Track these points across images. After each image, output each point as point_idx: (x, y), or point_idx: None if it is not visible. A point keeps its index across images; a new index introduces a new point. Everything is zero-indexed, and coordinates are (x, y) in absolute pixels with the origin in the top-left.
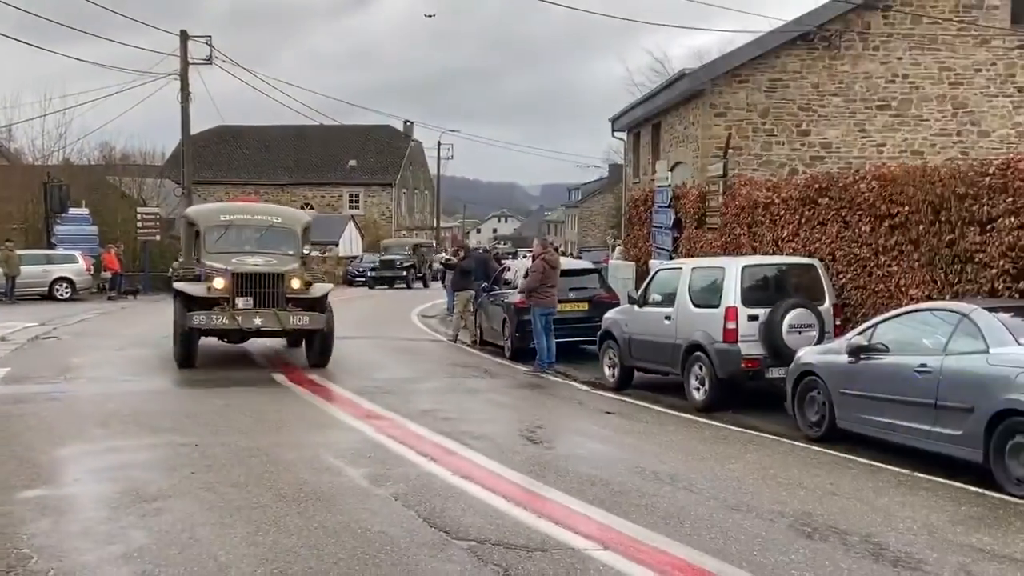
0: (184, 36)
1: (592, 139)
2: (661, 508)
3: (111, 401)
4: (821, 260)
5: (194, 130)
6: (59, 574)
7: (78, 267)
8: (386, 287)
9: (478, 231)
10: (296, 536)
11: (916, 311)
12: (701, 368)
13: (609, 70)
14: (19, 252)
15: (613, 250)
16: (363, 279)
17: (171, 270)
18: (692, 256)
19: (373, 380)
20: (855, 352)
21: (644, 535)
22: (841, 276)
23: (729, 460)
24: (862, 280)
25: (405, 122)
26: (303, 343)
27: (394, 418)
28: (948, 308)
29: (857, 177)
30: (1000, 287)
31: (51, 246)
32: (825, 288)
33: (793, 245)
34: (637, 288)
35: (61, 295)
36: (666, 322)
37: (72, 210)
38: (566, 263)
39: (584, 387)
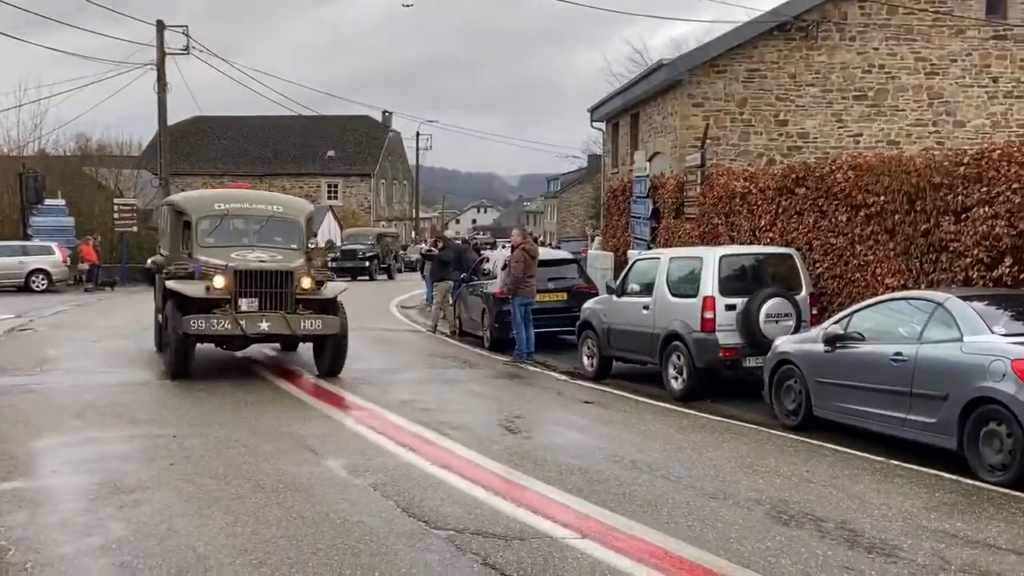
0: (160, 26)
1: (571, 129)
2: (639, 496)
3: (88, 393)
4: (798, 249)
5: (171, 121)
6: (37, 566)
7: (54, 259)
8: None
9: (457, 221)
10: (275, 527)
11: (891, 300)
12: (679, 357)
13: (588, 60)
14: None
15: (592, 241)
16: None
17: (149, 263)
18: (670, 246)
19: (352, 371)
20: (831, 341)
21: (622, 523)
22: (818, 265)
23: (707, 448)
24: (838, 269)
25: (384, 112)
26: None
27: (373, 408)
28: (923, 297)
29: (834, 167)
30: (974, 276)
31: (27, 237)
32: (802, 277)
33: (770, 235)
34: (615, 278)
35: (37, 287)
36: (644, 312)
37: (48, 201)
38: (545, 253)
39: (563, 377)
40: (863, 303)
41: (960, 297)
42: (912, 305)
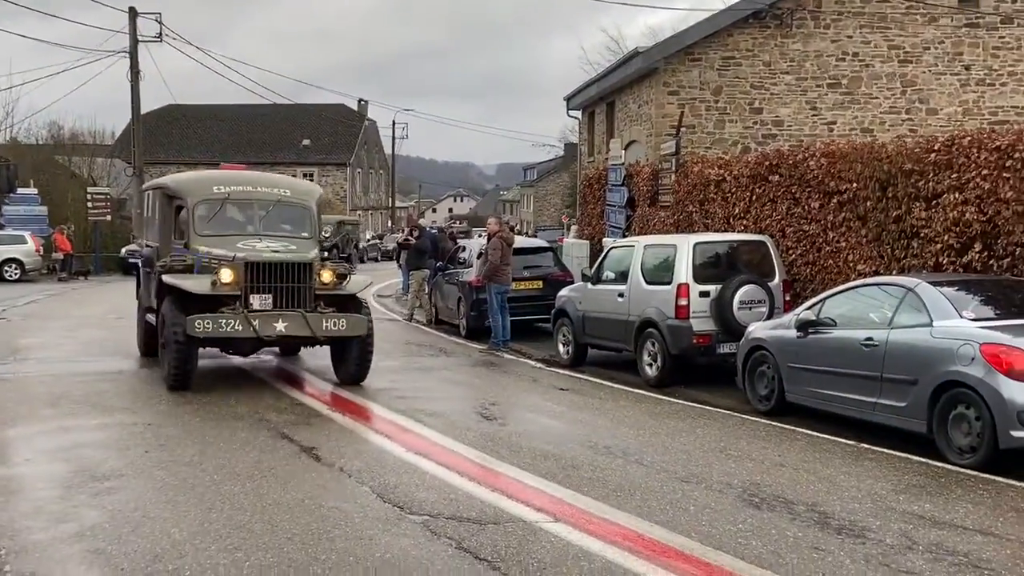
0: (133, 13)
1: (547, 118)
2: (612, 481)
3: (62, 382)
4: (771, 237)
5: (145, 109)
6: (11, 553)
7: (28, 248)
8: None
9: (434, 211)
10: (250, 512)
11: (863, 286)
12: (654, 344)
13: (565, 49)
14: None
15: (568, 230)
16: None
17: (124, 252)
18: (645, 234)
19: (327, 359)
20: (804, 327)
21: (595, 507)
22: (791, 252)
23: (680, 434)
24: (811, 256)
25: (359, 101)
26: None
27: (348, 396)
28: (894, 283)
29: (807, 154)
30: (944, 262)
31: None
32: (775, 264)
33: (744, 222)
34: (591, 266)
35: (10, 276)
36: (619, 299)
37: (20, 190)
38: (521, 242)
39: (538, 364)
40: (835, 289)
41: (930, 283)
42: (883, 291)
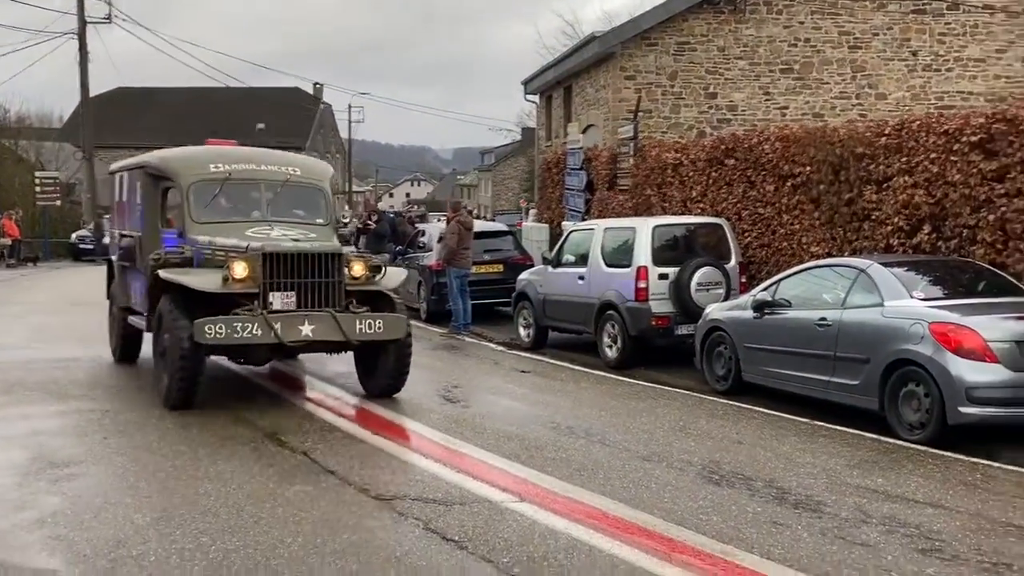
0: None
1: (504, 102)
2: (575, 461)
3: (16, 369)
4: (728, 220)
5: (94, 92)
6: None
7: None
8: None
9: (391, 195)
10: (213, 497)
11: (817, 267)
12: (613, 326)
13: (521, 33)
14: None
15: (526, 214)
16: None
17: (75, 237)
18: (604, 217)
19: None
20: (760, 308)
21: (559, 487)
22: (746, 235)
23: (640, 414)
24: (766, 238)
25: (315, 84)
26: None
27: (310, 380)
28: (846, 264)
29: (761, 138)
30: (895, 243)
31: None
32: (731, 247)
33: (701, 205)
34: (551, 249)
35: None
36: (579, 282)
37: None
38: (480, 225)
39: (500, 347)
40: (790, 271)
41: (881, 264)
42: (836, 272)
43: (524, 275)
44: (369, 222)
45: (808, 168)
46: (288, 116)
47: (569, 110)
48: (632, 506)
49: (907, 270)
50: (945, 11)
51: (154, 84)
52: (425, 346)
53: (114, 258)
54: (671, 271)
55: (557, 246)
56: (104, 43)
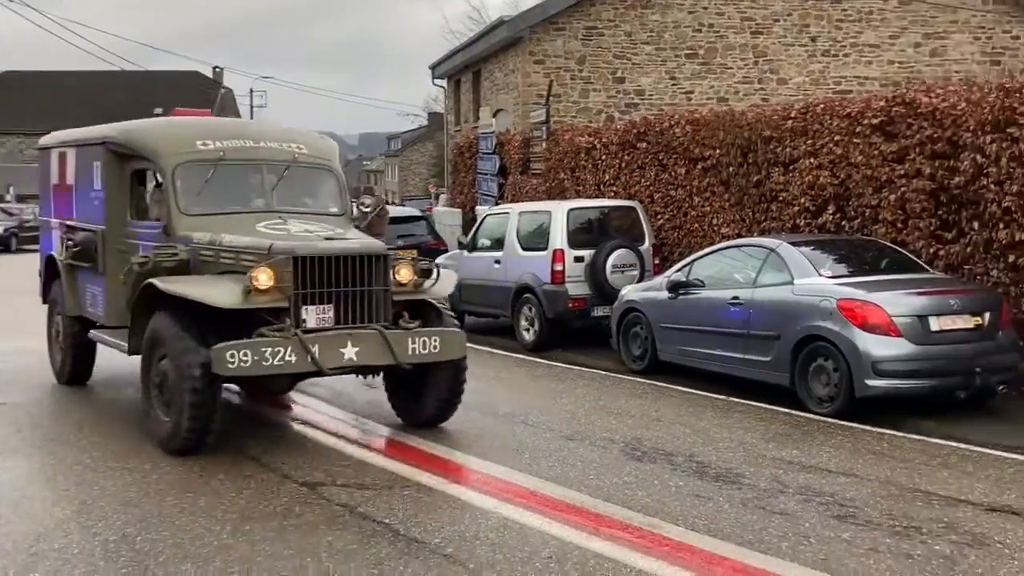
0: None
1: (411, 87)
2: (501, 442)
3: None
4: (641, 202)
5: None
6: None
7: None
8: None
9: None
10: (135, 488)
11: (729, 248)
12: (530, 309)
13: (427, 17)
14: None
15: (436, 199)
16: None
17: None
18: (518, 201)
19: None
20: (674, 288)
21: (487, 467)
22: (659, 217)
23: (561, 395)
24: (678, 220)
25: (215, 68)
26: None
27: None
28: (757, 244)
29: (672, 122)
30: (801, 223)
31: None
32: (645, 229)
33: (614, 188)
34: (465, 234)
35: None
36: (496, 266)
37: None
38: (393, 211)
39: None
40: (703, 251)
41: (791, 243)
42: (747, 252)
43: (439, 260)
44: None
45: (718, 151)
46: (187, 100)
47: (478, 95)
48: (559, 483)
49: (815, 249)
50: None
51: (44, 67)
52: None
53: (56, 254)
54: (586, 254)
55: (472, 231)
56: None
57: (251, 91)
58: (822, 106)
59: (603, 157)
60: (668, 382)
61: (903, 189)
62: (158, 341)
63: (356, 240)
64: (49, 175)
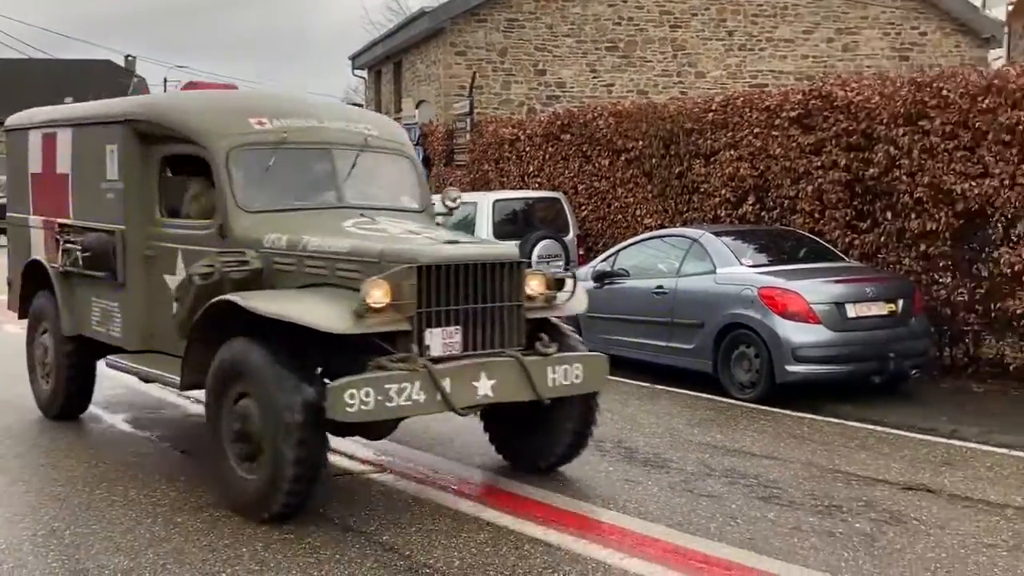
0: None
1: (330, 77)
2: (430, 434)
3: None
4: (565, 193)
5: None
6: None
7: None
8: None
9: None
10: (62, 484)
11: (653, 238)
12: None
13: (344, 6)
14: None
15: None
16: None
17: None
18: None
19: None
20: (600, 278)
21: (419, 456)
22: (583, 208)
23: None
24: (602, 211)
25: (127, 57)
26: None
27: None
28: (680, 234)
29: (595, 114)
30: (722, 214)
31: None
32: (569, 220)
33: (539, 180)
34: None
35: None
36: None
37: None
38: None
39: None
40: (628, 242)
41: (713, 233)
42: (670, 243)
43: None
44: None
45: (640, 143)
46: (98, 90)
47: (400, 86)
48: (491, 471)
49: (736, 239)
50: None
51: None
52: None
53: (43, 259)
54: (512, 244)
55: None
56: None
57: (165, 80)
58: (742, 99)
59: (527, 149)
60: None
61: (820, 180)
62: (238, 375)
63: (481, 245)
64: (24, 162)
